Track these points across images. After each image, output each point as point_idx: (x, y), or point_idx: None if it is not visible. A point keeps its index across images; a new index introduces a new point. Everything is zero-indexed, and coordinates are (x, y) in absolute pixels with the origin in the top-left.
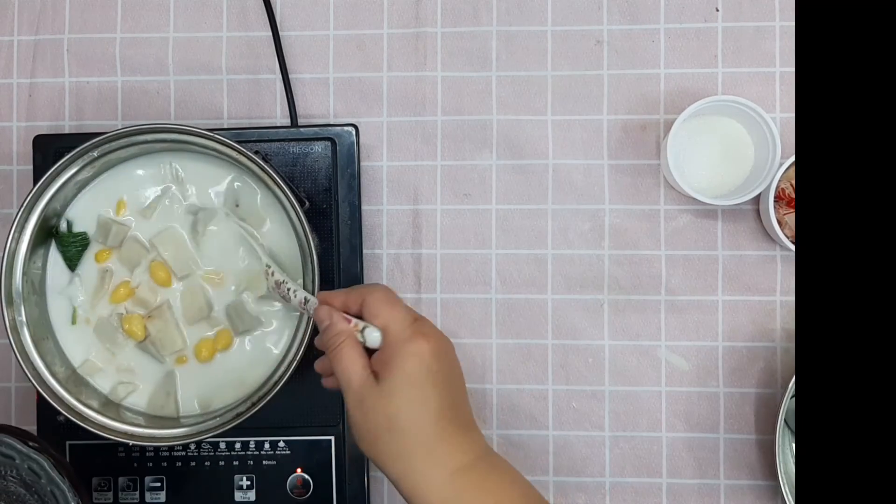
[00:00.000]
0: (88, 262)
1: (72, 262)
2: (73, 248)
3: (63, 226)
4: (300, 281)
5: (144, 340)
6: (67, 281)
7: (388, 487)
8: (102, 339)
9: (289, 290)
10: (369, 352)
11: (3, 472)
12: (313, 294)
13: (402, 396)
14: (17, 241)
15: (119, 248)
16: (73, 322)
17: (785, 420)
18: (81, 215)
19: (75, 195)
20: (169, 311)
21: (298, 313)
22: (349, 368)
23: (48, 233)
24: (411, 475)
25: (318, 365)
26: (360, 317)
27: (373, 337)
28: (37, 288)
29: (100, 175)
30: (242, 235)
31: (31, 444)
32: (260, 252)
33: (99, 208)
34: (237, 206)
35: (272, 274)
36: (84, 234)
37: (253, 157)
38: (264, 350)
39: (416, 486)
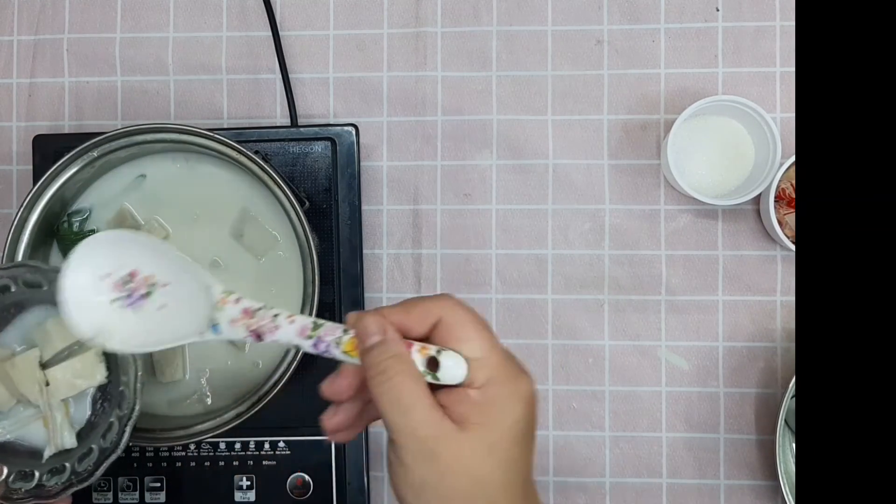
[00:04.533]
0: None
1: None
2: (75, 244)
3: (74, 220)
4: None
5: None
6: None
7: (388, 487)
8: None
9: (275, 316)
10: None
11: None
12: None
13: (503, 453)
14: (17, 241)
15: None
16: None
17: (785, 420)
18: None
19: (77, 194)
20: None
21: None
22: (415, 404)
23: (48, 232)
24: None
25: (332, 422)
26: (424, 341)
27: (453, 369)
28: None
29: (102, 175)
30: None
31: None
32: (206, 274)
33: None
34: (242, 236)
35: (236, 301)
36: (86, 233)
37: (253, 157)
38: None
39: None
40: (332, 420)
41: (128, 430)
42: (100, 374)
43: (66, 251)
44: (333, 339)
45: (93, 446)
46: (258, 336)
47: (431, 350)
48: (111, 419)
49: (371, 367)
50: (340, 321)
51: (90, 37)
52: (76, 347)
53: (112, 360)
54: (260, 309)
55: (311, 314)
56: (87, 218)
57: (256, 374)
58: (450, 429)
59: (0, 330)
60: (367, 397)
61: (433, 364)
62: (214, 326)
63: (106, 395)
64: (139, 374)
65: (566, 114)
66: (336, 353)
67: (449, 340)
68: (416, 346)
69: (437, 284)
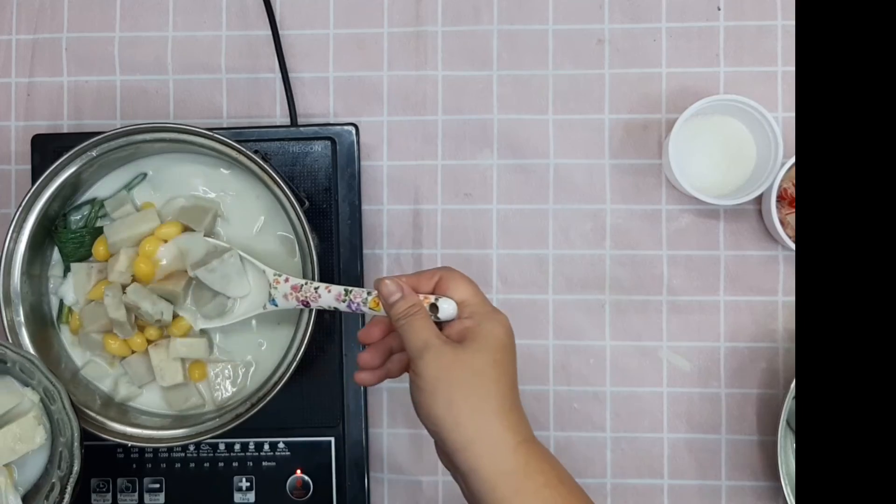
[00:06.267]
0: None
1: (68, 259)
2: (71, 244)
3: (72, 218)
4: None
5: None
6: (61, 279)
7: (389, 488)
8: (91, 348)
9: (315, 289)
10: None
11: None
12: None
13: (490, 356)
14: (16, 240)
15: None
16: (65, 321)
17: (787, 421)
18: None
19: (76, 194)
20: (173, 346)
21: (301, 310)
22: (426, 331)
23: (47, 231)
24: (485, 437)
25: (364, 358)
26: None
27: (447, 308)
28: (35, 287)
29: (102, 175)
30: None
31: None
32: (259, 264)
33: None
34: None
35: (286, 280)
36: (82, 231)
37: (253, 156)
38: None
39: (489, 448)
40: (364, 356)
41: (69, 489)
42: (39, 437)
43: (62, 250)
44: (361, 299)
45: None
46: (305, 304)
47: (432, 298)
48: (53, 480)
49: (396, 314)
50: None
51: (89, 36)
52: (13, 412)
53: (52, 422)
54: (304, 284)
55: (311, 311)
56: (85, 216)
57: (256, 375)
58: (451, 342)
59: None
60: (389, 345)
61: (434, 308)
62: (272, 301)
63: (49, 457)
64: (75, 433)
65: (567, 113)
66: (365, 310)
67: (447, 290)
68: (422, 296)
69: None
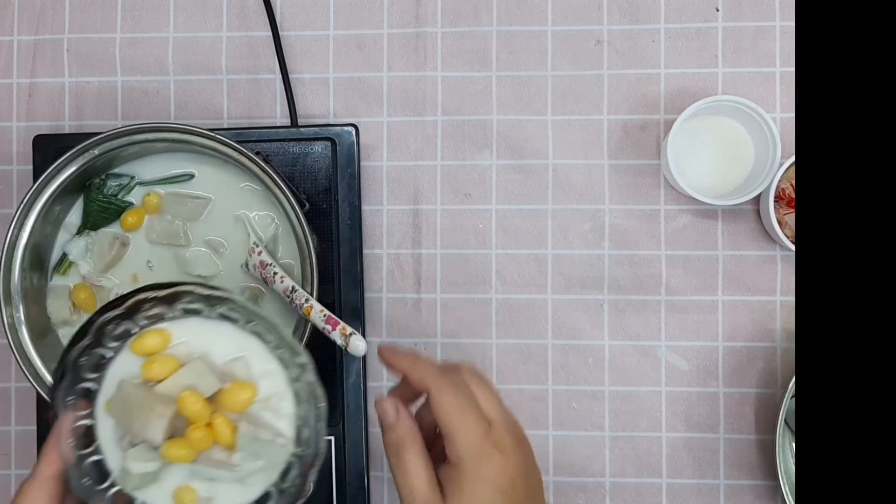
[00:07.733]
0: (111, 226)
1: (87, 217)
2: (97, 205)
3: (111, 184)
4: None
5: None
6: (73, 234)
7: (388, 487)
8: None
9: (274, 274)
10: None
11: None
12: (307, 292)
13: None
14: (17, 237)
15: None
16: (61, 273)
17: (785, 420)
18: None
19: (76, 195)
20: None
21: (296, 311)
22: (413, 481)
23: (82, 184)
24: None
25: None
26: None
27: (358, 345)
28: (36, 286)
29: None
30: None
31: None
32: (250, 228)
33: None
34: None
35: (259, 252)
36: (111, 199)
37: (254, 157)
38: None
39: None
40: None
41: (312, 473)
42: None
43: (87, 207)
44: (299, 303)
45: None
46: (266, 282)
47: (348, 330)
48: (290, 459)
49: (388, 443)
50: (340, 317)
51: (90, 37)
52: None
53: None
54: (269, 265)
55: None
56: (125, 186)
57: None
58: (438, 496)
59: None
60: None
61: (347, 340)
62: (247, 264)
63: None
64: (323, 411)
65: (566, 114)
66: (300, 312)
67: (434, 414)
68: (341, 326)
69: (437, 284)
